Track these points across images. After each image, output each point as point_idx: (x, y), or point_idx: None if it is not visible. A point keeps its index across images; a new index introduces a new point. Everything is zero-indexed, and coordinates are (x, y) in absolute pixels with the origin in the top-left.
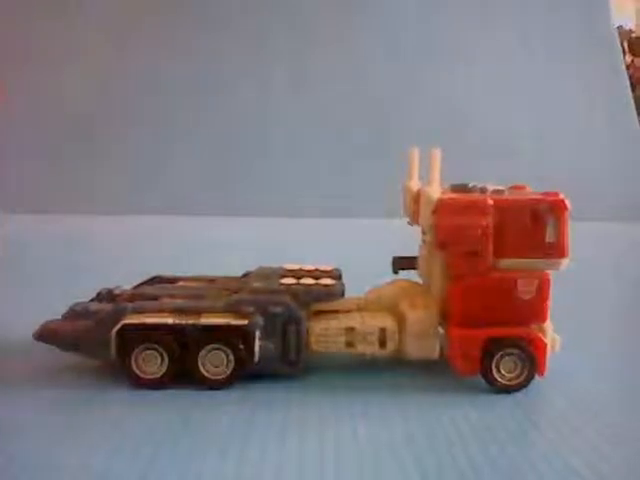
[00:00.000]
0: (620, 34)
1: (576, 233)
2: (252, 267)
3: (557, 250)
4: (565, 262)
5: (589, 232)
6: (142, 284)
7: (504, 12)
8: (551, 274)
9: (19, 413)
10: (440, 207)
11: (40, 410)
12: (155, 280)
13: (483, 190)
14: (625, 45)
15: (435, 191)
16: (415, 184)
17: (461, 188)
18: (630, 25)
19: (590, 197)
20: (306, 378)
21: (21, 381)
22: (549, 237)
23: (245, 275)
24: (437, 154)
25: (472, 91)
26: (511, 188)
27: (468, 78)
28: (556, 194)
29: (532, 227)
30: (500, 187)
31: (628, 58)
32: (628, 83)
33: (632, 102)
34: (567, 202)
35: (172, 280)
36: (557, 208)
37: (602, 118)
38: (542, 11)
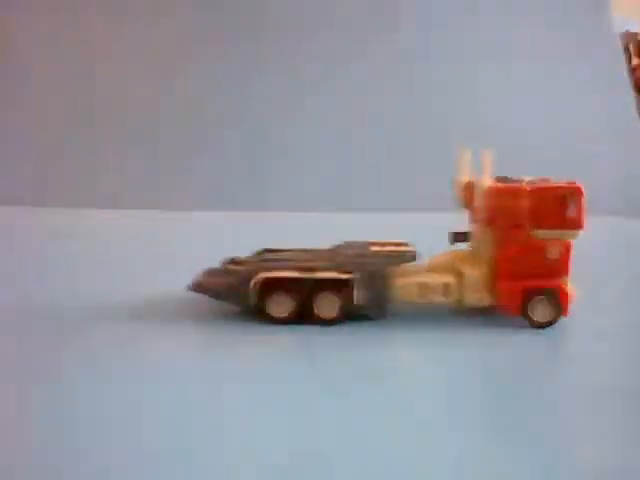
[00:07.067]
0: (627, 37)
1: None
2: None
3: (576, 223)
4: (581, 233)
5: (592, 228)
6: (252, 256)
7: (504, 10)
8: (572, 242)
9: (180, 349)
10: (491, 193)
11: (194, 347)
12: (265, 252)
13: (520, 181)
14: (631, 48)
15: (486, 182)
16: (465, 177)
17: (503, 179)
18: (637, 28)
19: (592, 196)
20: (391, 324)
21: (179, 324)
22: (570, 214)
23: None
24: (488, 154)
25: (473, 90)
26: (540, 179)
27: (472, 78)
28: (574, 182)
29: (558, 206)
30: (532, 178)
31: (635, 61)
32: (631, 84)
33: (635, 103)
34: (583, 188)
35: (278, 251)
36: (576, 192)
37: (603, 117)
38: (543, 10)
